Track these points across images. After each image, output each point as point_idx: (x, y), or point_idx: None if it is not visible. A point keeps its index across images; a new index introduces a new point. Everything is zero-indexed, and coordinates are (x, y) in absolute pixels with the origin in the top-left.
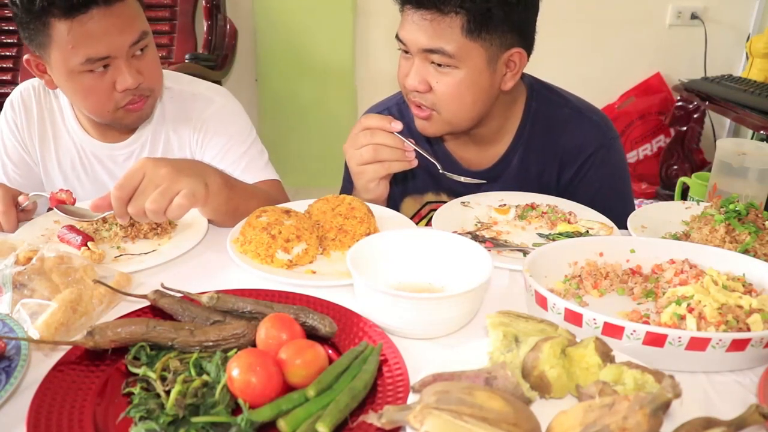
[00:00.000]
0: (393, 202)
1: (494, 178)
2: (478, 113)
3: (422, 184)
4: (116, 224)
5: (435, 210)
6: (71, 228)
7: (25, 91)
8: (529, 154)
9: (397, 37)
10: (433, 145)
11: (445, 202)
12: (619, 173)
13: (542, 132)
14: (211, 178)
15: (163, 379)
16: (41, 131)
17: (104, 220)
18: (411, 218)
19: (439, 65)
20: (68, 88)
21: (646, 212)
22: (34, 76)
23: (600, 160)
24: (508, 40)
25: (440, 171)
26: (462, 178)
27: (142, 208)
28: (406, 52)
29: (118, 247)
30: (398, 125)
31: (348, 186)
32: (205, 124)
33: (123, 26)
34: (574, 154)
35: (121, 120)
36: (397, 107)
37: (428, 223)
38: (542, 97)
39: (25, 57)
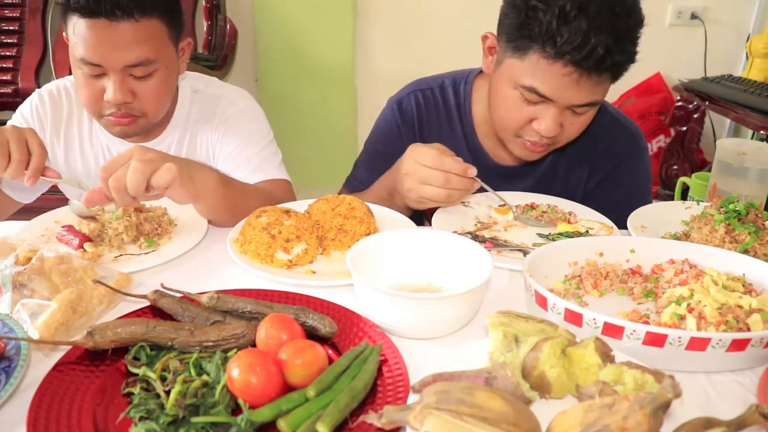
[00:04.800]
0: None
1: (521, 176)
2: None
3: None
4: (121, 224)
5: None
6: (70, 229)
7: (56, 88)
8: (562, 157)
9: (526, 88)
10: (468, 140)
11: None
12: (644, 183)
13: (578, 138)
14: (206, 174)
15: (163, 379)
16: (67, 127)
17: (109, 222)
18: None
19: (578, 113)
20: (73, 73)
21: (646, 212)
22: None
23: (629, 168)
24: None
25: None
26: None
27: (123, 181)
28: (531, 101)
29: (118, 247)
30: (473, 171)
31: (354, 183)
32: (224, 123)
33: (123, 44)
34: (604, 160)
35: (107, 126)
36: (415, 95)
37: None
38: None
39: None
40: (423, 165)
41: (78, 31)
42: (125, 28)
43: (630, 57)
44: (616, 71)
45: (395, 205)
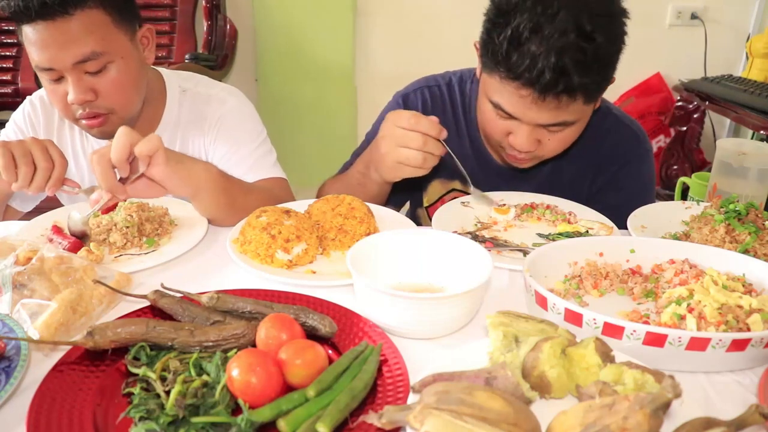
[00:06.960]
0: (420, 182)
1: (525, 179)
2: None
3: (451, 174)
4: (123, 227)
5: (458, 198)
6: (58, 231)
7: (46, 94)
8: (565, 160)
9: (494, 104)
10: (472, 140)
11: (469, 194)
12: (648, 185)
13: (583, 140)
14: (200, 164)
15: (163, 379)
16: (60, 133)
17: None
18: (435, 201)
19: (553, 130)
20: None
21: (646, 212)
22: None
23: (633, 170)
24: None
25: (471, 188)
26: (488, 195)
27: (108, 155)
28: (502, 116)
29: (118, 247)
30: (445, 133)
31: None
32: (217, 123)
33: (65, 42)
34: (609, 162)
35: (85, 130)
36: (422, 92)
37: None
38: None
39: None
40: (401, 127)
41: (26, 39)
42: (62, 25)
43: (600, 77)
44: (577, 93)
45: (369, 180)
